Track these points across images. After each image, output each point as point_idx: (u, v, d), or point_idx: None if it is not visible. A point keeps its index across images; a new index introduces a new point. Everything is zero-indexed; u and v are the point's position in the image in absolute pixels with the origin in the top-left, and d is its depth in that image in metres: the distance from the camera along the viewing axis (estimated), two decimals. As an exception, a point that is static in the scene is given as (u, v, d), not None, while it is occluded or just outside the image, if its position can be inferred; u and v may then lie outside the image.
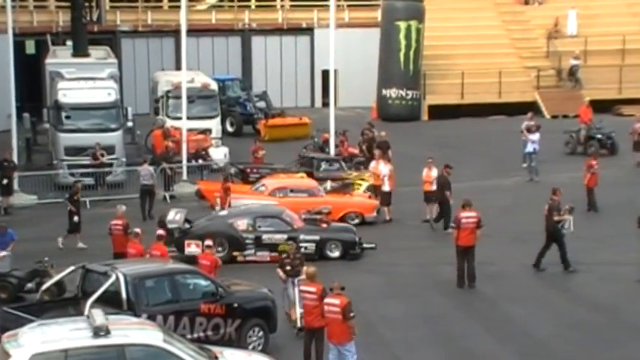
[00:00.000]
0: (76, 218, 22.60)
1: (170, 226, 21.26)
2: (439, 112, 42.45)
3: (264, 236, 21.28)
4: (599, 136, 32.93)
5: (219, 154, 30.94)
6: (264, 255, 21.16)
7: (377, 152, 27.65)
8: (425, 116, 43.10)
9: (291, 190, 24.67)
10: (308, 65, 46.01)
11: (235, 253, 21.24)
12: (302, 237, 21.17)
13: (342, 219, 24.26)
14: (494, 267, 20.66)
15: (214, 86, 35.90)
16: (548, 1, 48.38)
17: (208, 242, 17.44)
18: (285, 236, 20.95)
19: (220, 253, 20.57)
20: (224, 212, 22.69)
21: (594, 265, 20.63)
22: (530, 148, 29.84)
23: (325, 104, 39.52)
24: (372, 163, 25.75)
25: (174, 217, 21.70)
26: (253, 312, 15.71)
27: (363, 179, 27.32)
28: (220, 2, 48.03)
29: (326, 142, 30.29)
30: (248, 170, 28.29)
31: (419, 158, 28.75)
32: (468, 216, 19.39)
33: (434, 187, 24.51)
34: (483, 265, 20.58)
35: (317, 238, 21.51)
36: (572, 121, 36.25)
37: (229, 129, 38.26)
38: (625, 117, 40.22)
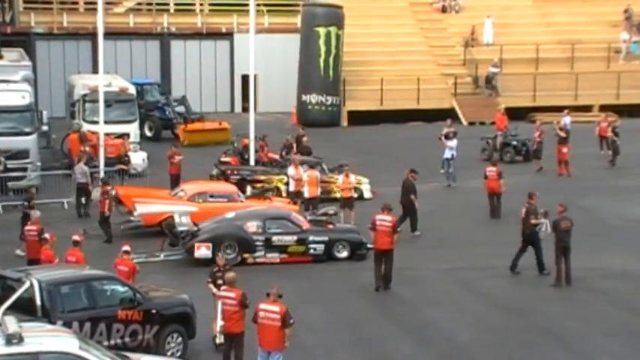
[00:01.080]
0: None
1: (180, 228, 21.52)
2: (359, 118, 42.72)
3: (274, 238, 21.41)
4: (514, 142, 33.51)
5: (137, 158, 30.55)
6: (274, 257, 21.38)
7: (296, 158, 27.61)
8: (345, 122, 43.34)
9: (211, 196, 24.45)
10: (228, 70, 45.81)
11: (245, 255, 21.30)
12: (311, 238, 21.55)
13: (262, 224, 24.19)
14: (414, 272, 20.81)
15: (132, 90, 35.40)
16: (465, 10, 49.15)
17: (126, 248, 17.12)
18: (295, 237, 21.38)
19: (231, 255, 20.80)
20: (232, 215, 22.32)
21: (508, 270, 20.89)
22: (448, 154, 30.26)
23: (245, 109, 39.37)
24: (291, 169, 25.66)
25: (181, 219, 21.94)
26: (172, 318, 15.49)
27: None
28: (138, 5, 47.44)
29: (246, 147, 30.14)
30: (229, 172, 28.01)
31: (334, 164, 28.86)
32: (382, 219, 19.60)
33: (352, 194, 24.64)
34: (403, 269, 20.73)
35: (326, 238, 21.74)
36: (489, 128, 36.86)
37: (148, 134, 37.83)
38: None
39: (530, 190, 21.28)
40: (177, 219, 22.07)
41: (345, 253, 21.80)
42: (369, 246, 21.67)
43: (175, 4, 47.04)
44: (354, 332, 17.13)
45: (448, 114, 39.57)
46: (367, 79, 43.87)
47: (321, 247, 21.61)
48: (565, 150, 31.12)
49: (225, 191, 25.06)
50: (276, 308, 13.80)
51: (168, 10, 46.57)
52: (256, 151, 29.79)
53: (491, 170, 25.74)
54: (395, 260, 21.19)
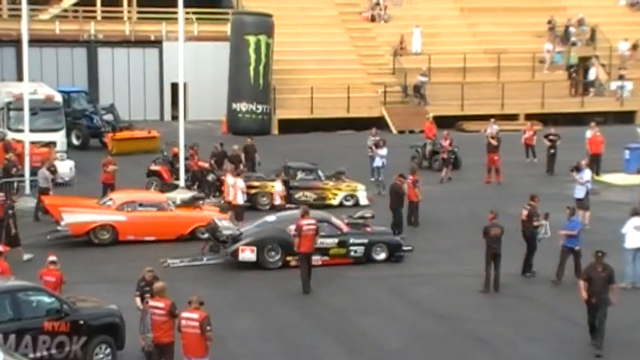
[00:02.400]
0: (13, 231, 21.93)
1: (225, 232, 21.65)
2: (289, 126, 42.76)
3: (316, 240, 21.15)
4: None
5: (64, 167, 30.06)
6: (316, 259, 21.20)
7: (229, 167, 27.50)
8: (275, 130, 43.33)
9: (140, 205, 24.20)
10: (157, 78, 45.41)
11: (288, 258, 21.29)
12: (351, 240, 21.88)
13: (192, 233, 24.04)
14: (344, 279, 20.88)
15: (59, 98, 34.87)
16: (394, 19, 49.61)
17: (52, 258, 16.81)
18: (336, 240, 21.65)
19: (274, 257, 21.22)
20: (273, 218, 22.57)
21: (439, 277, 21.15)
22: (378, 162, 30.51)
23: (175, 117, 39.05)
24: (230, 179, 25.45)
25: (224, 223, 22.25)
26: (100, 329, 15.28)
27: (339, 189, 27.86)
28: (64, 12, 46.74)
29: (175, 155, 29.90)
30: (223, 177, 27.49)
31: (269, 172, 28.85)
32: (308, 223, 19.90)
33: (278, 202, 24.64)
34: (334, 277, 20.83)
35: (366, 241, 22.00)
36: (418, 137, 37.20)
37: (75, 142, 37.27)
38: (467, 133, 41.71)
39: (532, 194, 21.98)
40: (219, 223, 22.16)
41: (383, 255, 22.14)
42: (405, 248, 22.21)
43: (102, 12, 46.47)
44: (285, 341, 17.11)
45: (377, 122, 39.90)
46: (297, 87, 43.95)
47: (361, 250, 21.91)
48: (496, 158, 31.58)
49: (154, 200, 24.85)
50: (195, 315, 13.78)
51: (95, 18, 45.99)
52: (186, 160, 29.58)
53: (408, 179, 26.11)
54: (324, 269, 21.30)
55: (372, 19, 49.60)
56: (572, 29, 48.89)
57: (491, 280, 19.91)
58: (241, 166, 28.46)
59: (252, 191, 27.06)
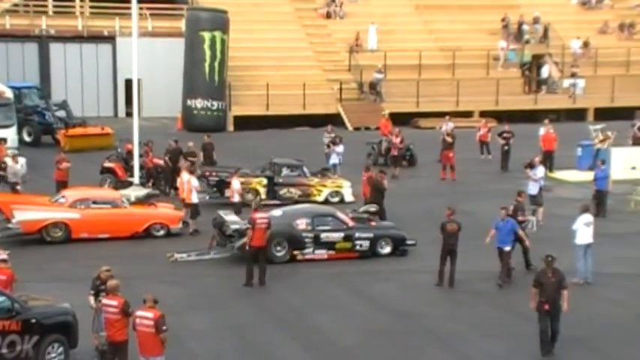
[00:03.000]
0: None
1: (233, 227, 21.63)
2: (245, 123, 42.63)
3: (322, 235, 21.80)
4: (400, 147, 33.96)
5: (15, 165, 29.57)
6: (322, 253, 21.84)
7: (184, 163, 27.28)
8: (231, 127, 43.17)
9: (94, 202, 23.92)
10: (110, 74, 45.00)
11: (295, 252, 21.64)
12: (357, 234, 22.11)
13: (146, 230, 23.85)
14: (301, 277, 20.85)
15: (9, 94, 34.42)
16: (350, 16, 49.70)
17: (3, 256, 16.51)
18: (342, 234, 21.89)
19: (281, 252, 21.43)
20: (279, 212, 22.44)
21: (395, 274, 21.19)
22: (335, 159, 30.56)
23: (129, 114, 38.72)
24: (186, 176, 25.22)
25: (230, 217, 22.29)
26: (52, 327, 15.03)
27: (324, 186, 27.92)
28: (15, 7, 46.07)
29: (130, 152, 29.61)
30: (207, 174, 27.59)
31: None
32: (261, 217, 20.03)
33: (236, 199, 24.53)
34: (290, 274, 20.79)
35: (371, 235, 22.23)
36: (374, 133, 37.27)
37: (27, 139, 36.82)
38: (423, 129, 41.91)
39: (519, 190, 22.34)
40: (225, 217, 22.16)
41: (388, 249, 22.38)
42: (409, 242, 22.59)
43: (54, 6, 45.90)
44: (241, 338, 17.02)
45: (333, 119, 39.93)
46: (253, 84, 43.83)
47: (366, 244, 22.12)
48: (451, 155, 31.79)
49: (108, 197, 24.59)
50: (150, 314, 13.65)
51: (46, 12, 45.40)
52: (141, 156, 29.32)
53: (363, 176, 26.20)
54: (282, 265, 21.27)
55: (328, 15, 49.64)
56: (525, 27, 49.40)
57: (445, 275, 20.04)
58: (196, 164, 28.27)
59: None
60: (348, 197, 28.05)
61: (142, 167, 29.03)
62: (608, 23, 51.47)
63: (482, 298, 19.46)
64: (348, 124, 43.05)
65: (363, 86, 45.25)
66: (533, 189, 25.73)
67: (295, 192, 27.81)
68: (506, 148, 33.31)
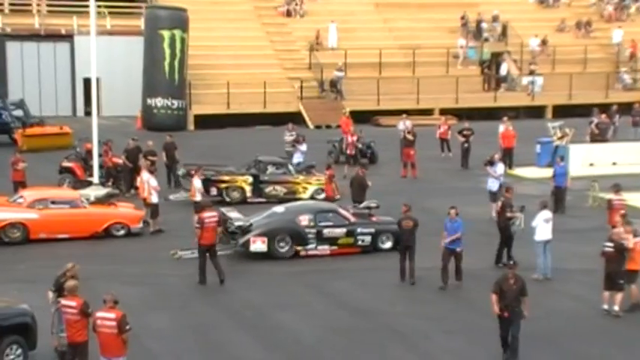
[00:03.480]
0: None
1: (237, 223, 21.84)
2: (205, 121, 42.45)
3: (325, 230, 21.99)
4: (359, 145, 34.05)
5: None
6: (325, 249, 22.12)
7: (144, 163, 27.09)
8: (191, 126, 42.96)
9: (52, 202, 23.67)
10: (68, 73, 44.58)
11: (298, 248, 21.89)
12: (359, 230, 22.32)
13: (106, 230, 23.66)
14: (262, 275, 20.80)
15: (-35, 93, 33.90)
16: (310, 14, 49.70)
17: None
18: (345, 230, 22.10)
19: (284, 248, 21.73)
20: (282, 209, 22.83)
21: (356, 271, 21.23)
22: (299, 158, 30.42)
23: (88, 113, 38.39)
24: (145, 175, 25.02)
25: (233, 214, 22.52)
26: (10, 329, 14.84)
27: (309, 183, 27.94)
28: (-29, 5, 45.50)
29: (89, 152, 29.34)
30: (193, 172, 27.09)
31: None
32: (210, 215, 20.03)
33: (198, 198, 24.44)
34: (252, 272, 20.74)
35: (373, 230, 22.42)
36: (335, 131, 37.31)
37: (-17, 138, 36.34)
38: (383, 127, 42.03)
39: (507, 186, 22.63)
40: (228, 214, 22.33)
41: (389, 244, 22.47)
42: None
43: (10, 4, 45.37)
44: (202, 338, 16.94)
45: (294, 117, 39.90)
46: (213, 82, 43.66)
47: (368, 239, 22.30)
48: (412, 152, 31.93)
49: (67, 197, 24.35)
50: (112, 315, 13.53)
51: (2, 10, 44.84)
52: (100, 156, 29.07)
53: (325, 174, 26.28)
54: (244, 264, 21.21)
55: (288, 13, 49.59)
56: (484, 25, 49.73)
57: (405, 271, 20.13)
58: (156, 163, 28.10)
59: (223, 185, 27.48)
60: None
61: (101, 167, 28.79)
62: (566, 21, 52.00)
63: (442, 294, 19.56)
64: (309, 122, 43.04)
65: (324, 84, 45.27)
66: (493, 186, 25.94)
67: (281, 189, 27.86)
68: (466, 145, 33.52)
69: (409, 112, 38.03)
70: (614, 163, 33.45)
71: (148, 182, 24.56)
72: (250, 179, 27.81)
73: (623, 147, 34.89)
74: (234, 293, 19.52)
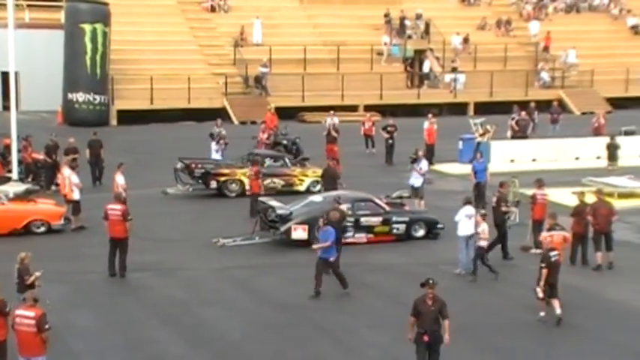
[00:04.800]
0: None
1: (279, 211, 22.21)
2: (129, 117, 41.95)
3: (362, 219, 22.42)
4: (284, 142, 34.09)
5: None
6: (362, 237, 22.64)
7: (65, 159, 26.65)
8: (114, 121, 42.40)
9: (-31, 197, 23.15)
10: (-14, 67, 43.42)
11: None
12: (394, 218, 22.89)
13: (26, 227, 23.21)
14: (187, 272, 20.68)
15: None
16: (234, 10, 49.51)
17: None
18: (381, 219, 22.55)
19: None
20: (319, 198, 23.31)
21: (281, 267, 21.24)
22: (218, 155, 30.15)
23: (6, 108, 37.50)
24: (67, 172, 24.57)
25: (275, 202, 22.90)
26: None
27: (306, 175, 28.16)
28: None
29: (7, 147, 28.73)
30: (193, 165, 27.68)
31: (108, 164, 28.21)
32: (113, 208, 19.96)
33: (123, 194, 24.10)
34: (178, 269, 20.63)
35: (407, 219, 22.97)
36: (260, 128, 37.20)
37: None
38: (308, 123, 42.12)
39: (502, 180, 22.69)
40: (269, 202, 22.81)
41: (421, 232, 23.18)
42: (439, 226, 23.24)
43: None
44: (126, 335, 16.76)
45: (219, 113, 39.71)
46: (136, 77, 43.15)
47: (402, 227, 22.72)
48: (336, 149, 32.10)
49: (-15, 193, 23.82)
50: (31, 313, 13.30)
51: None
52: (19, 152, 28.49)
53: (250, 170, 26.25)
54: (169, 261, 21.06)
55: (212, 9, 49.34)
56: (407, 23, 50.21)
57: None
58: (77, 160, 27.68)
59: (222, 178, 27.87)
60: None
61: (20, 162, 28.25)
62: (486, 20, 52.84)
63: (367, 289, 19.69)
64: (234, 118, 42.88)
65: (249, 80, 45.16)
66: (416, 181, 26.26)
67: (279, 182, 28.32)
68: (390, 141, 33.83)
69: (334, 109, 38.17)
70: (533, 160, 34.17)
71: (69, 179, 24.18)
72: (248, 172, 27.92)
73: (543, 143, 35.66)
74: (158, 290, 19.36)
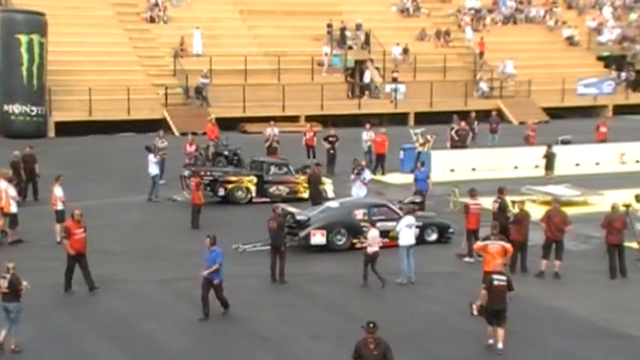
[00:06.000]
0: None
1: (298, 217, 22.88)
2: (67, 128, 41.41)
3: (378, 224, 22.26)
4: (226, 152, 33.97)
5: None
6: (378, 241, 22.04)
7: (2, 172, 26.11)
8: (52, 133, 41.82)
9: None
10: None
11: (354, 241, 23.02)
12: None
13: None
14: (127, 284, 20.44)
15: None
16: (174, 20, 49.25)
17: None
18: (395, 223, 22.24)
19: (341, 240, 22.96)
20: (336, 204, 24.12)
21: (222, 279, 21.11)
22: (155, 170, 29.50)
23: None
24: (3, 184, 24.09)
25: (294, 209, 23.52)
26: None
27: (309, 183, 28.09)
28: None
29: None
30: (202, 173, 27.88)
31: (46, 176, 27.75)
32: (77, 226, 19.62)
33: (60, 207, 23.75)
34: (116, 282, 20.37)
35: (420, 224, 23.14)
36: (201, 139, 36.99)
37: None
38: (249, 134, 42.04)
39: (500, 187, 23.00)
40: (289, 209, 23.32)
41: (434, 237, 23.85)
42: (450, 231, 24.01)
43: None
44: (64, 349, 16.50)
45: (160, 124, 39.41)
46: (74, 89, 42.63)
47: (416, 232, 22.35)
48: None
49: None
50: None
51: None
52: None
53: (192, 181, 26.09)
54: (109, 274, 20.79)
55: (152, 19, 49.00)
56: (348, 33, 50.47)
57: (275, 270, 20.35)
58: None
59: (230, 186, 28.39)
60: (330, 193, 28.66)
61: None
62: (426, 30, 53.37)
63: (311, 300, 19.69)
64: (174, 129, 42.60)
65: (189, 91, 44.92)
66: (360, 192, 26.61)
67: (283, 189, 28.90)
68: (332, 152, 33.93)
69: (275, 119, 38.17)
70: (473, 169, 34.56)
71: (6, 191, 23.74)
72: (255, 180, 28.66)
73: (482, 153, 36.10)
74: (99, 303, 19.11)
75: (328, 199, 26.67)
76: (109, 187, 30.91)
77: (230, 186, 28.42)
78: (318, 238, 22.75)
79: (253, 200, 28.45)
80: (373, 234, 20.47)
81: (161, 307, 19.00)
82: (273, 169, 29.32)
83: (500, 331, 16.41)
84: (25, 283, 16.29)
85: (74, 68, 43.80)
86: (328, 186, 29.17)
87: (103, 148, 38.32)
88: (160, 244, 23.76)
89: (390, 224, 23.14)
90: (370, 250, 20.27)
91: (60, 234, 21.48)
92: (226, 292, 19.86)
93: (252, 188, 28.59)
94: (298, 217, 23.03)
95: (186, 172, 28.81)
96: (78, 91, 42.27)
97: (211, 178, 28.34)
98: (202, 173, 28.30)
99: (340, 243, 23.02)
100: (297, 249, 22.84)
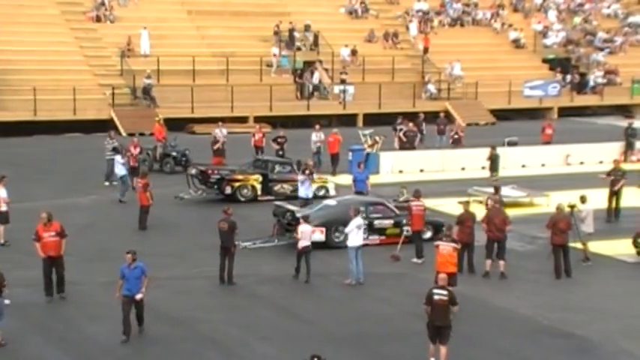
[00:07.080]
0: None
1: (298, 215, 22.71)
2: (11, 128, 40.76)
3: (375, 222, 23.46)
4: (174, 153, 33.77)
5: None
6: (375, 238, 23.74)
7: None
8: (-6, 133, 41.17)
9: None
10: None
11: None
12: (404, 221, 23.49)
13: None
14: (74, 286, 20.15)
15: None
16: (120, 20, 48.81)
17: None
18: (392, 221, 23.56)
19: (339, 238, 22.89)
20: (333, 202, 24.31)
21: (170, 280, 20.95)
22: (122, 170, 29.17)
23: None
24: None
25: (291, 206, 23.86)
26: None
27: (313, 181, 28.21)
28: None
29: None
30: (209, 172, 28.28)
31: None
32: (48, 229, 19.16)
33: (4, 208, 23.34)
34: (66, 284, 20.08)
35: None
36: (149, 139, 36.74)
37: None
38: (198, 135, 41.82)
39: (495, 185, 24.15)
40: (286, 207, 23.65)
41: (429, 234, 23.71)
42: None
43: None
44: (10, 354, 16.23)
45: (107, 125, 39.02)
46: (19, 88, 42.01)
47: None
48: (224, 161, 32.04)
49: None
50: None
51: None
52: None
53: (137, 182, 25.87)
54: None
55: (98, 19, 48.50)
56: (296, 34, 50.47)
57: (224, 272, 20.29)
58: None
59: (237, 184, 28.81)
60: (332, 192, 29.33)
61: None
62: (374, 32, 53.59)
63: (257, 301, 19.63)
64: (122, 130, 42.19)
65: (137, 91, 44.53)
66: (307, 192, 26.61)
67: (288, 187, 29.19)
68: (280, 152, 33.89)
69: (224, 120, 37.98)
70: (421, 170, 34.78)
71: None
72: (260, 178, 29.04)
73: (430, 154, 36.34)
74: (43, 307, 18.84)
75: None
76: (53, 188, 30.50)
77: (237, 184, 28.82)
78: (317, 235, 22.66)
79: (259, 198, 28.81)
80: (304, 228, 20.55)
81: (108, 310, 18.74)
82: (277, 167, 29.85)
83: (443, 350, 15.40)
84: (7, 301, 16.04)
85: (19, 67, 43.17)
86: (330, 184, 29.77)
87: (48, 149, 37.82)
88: (106, 246, 23.49)
89: (386, 222, 23.79)
90: (301, 244, 20.37)
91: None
92: (175, 294, 19.77)
93: (258, 187, 29.03)
94: (298, 215, 22.96)
95: (193, 171, 29.34)
96: (22, 90, 41.67)
97: (218, 176, 28.79)
98: (210, 171, 28.95)
99: (338, 240, 23.04)
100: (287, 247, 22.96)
